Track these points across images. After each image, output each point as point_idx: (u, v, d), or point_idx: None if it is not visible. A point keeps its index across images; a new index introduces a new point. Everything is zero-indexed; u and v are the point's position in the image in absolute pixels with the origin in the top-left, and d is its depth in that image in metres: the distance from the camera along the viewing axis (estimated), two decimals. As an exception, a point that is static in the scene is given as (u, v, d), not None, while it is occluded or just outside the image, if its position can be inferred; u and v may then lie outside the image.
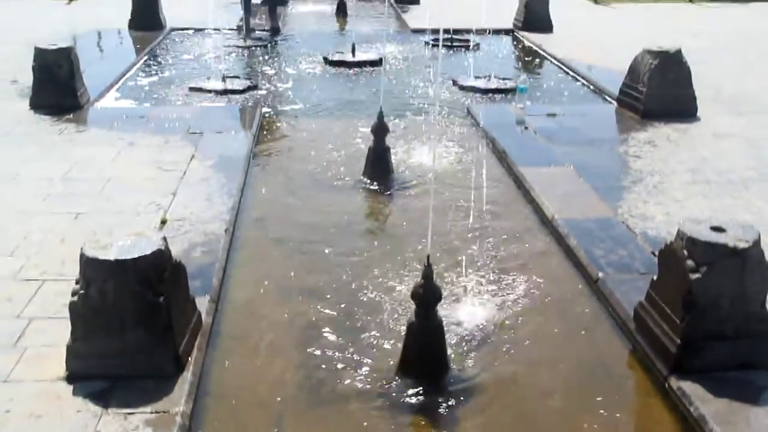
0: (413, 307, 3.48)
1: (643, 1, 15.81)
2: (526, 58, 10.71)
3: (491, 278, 4.46)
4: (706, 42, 11.36)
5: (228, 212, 5.10)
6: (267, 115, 7.67)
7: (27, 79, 7.66)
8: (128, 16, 11.68)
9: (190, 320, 3.59)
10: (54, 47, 7.35)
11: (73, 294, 3.25)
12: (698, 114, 7.47)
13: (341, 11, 13.88)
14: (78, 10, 13.54)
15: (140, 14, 11.65)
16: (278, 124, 7.50)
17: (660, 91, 7.35)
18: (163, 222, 4.90)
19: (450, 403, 3.35)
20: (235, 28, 11.97)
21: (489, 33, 11.29)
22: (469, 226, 5.10)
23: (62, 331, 3.37)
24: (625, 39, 11.39)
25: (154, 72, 9.42)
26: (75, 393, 3.20)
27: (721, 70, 9.49)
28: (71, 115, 7.16)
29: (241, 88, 8.48)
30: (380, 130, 5.84)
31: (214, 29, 11.50)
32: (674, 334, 3.45)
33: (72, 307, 3.24)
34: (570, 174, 5.93)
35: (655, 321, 3.62)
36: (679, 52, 7.41)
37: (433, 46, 10.93)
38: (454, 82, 8.84)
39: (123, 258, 3.17)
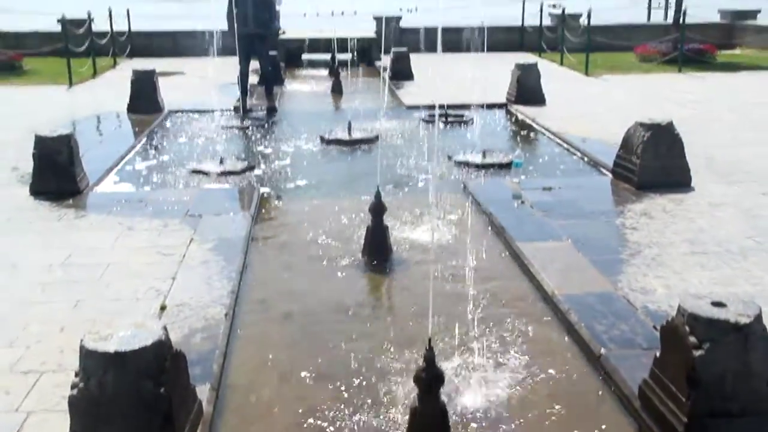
0: (416, 390, 3.44)
1: (633, 72, 16.12)
2: (521, 132, 10.85)
3: (493, 358, 4.43)
4: (697, 111, 11.56)
5: (228, 296, 5.09)
6: (265, 195, 7.73)
7: (27, 165, 7.74)
8: (127, 100, 11.87)
9: (190, 410, 3.55)
10: (54, 134, 7.45)
11: (73, 387, 3.22)
12: (693, 184, 7.54)
13: (336, 89, 14.11)
14: (78, 95, 13.78)
15: (139, 98, 11.84)
16: (276, 205, 7.55)
17: (654, 163, 7.44)
18: (163, 308, 4.89)
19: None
20: (233, 108, 12.16)
21: (483, 107, 11.46)
22: (470, 306, 5.08)
23: (61, 425, 3.33)
24: (617, 110, 11.61)
25: (152, 155, 9.53)
26: (74, 490, 3.14)
27: (712, 139, 9.62)
28: (71, 201, 7.21)
29: (239, 169, 8.57)
30: (378, 209, 5.88)
31: (212, 110, 11.70)
32: (680, 413, 3.41)
33: (71, 400, 3.21)
34: (568, 248, 5.95)
35: (661, 399, 3.59)
36: (670, 124, 7.52)
37: (428, 122, 11.09)
38: (450, 158, 8.94)
39: (123, 350, 3.16)
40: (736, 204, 7.02)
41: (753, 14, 21.83)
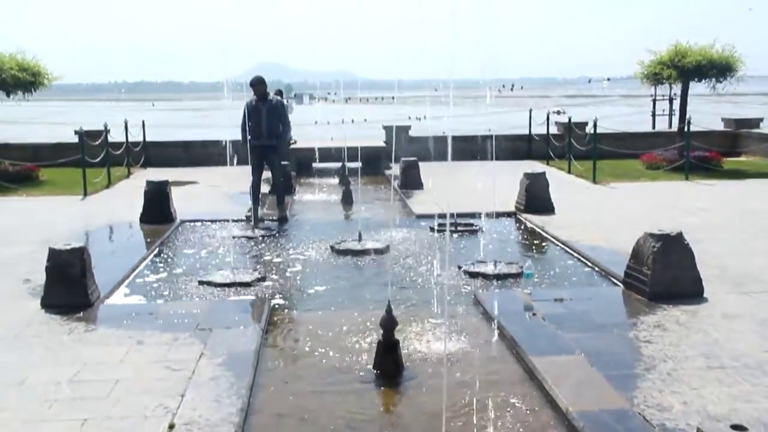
0: None
1: (641, 180, 16.29)
2: (530, 241, 10.89)
3: (509, 480, 4.31)
4: (706, 219, 11.61)
5: (237, 414, 5.01)
6: (275, 307, 7.72)
7: (39, 278, 7.79)
8: (140, 210, 12.04)
9: None
10: (68, 247, 7.52)
11: None
12: (705, 294, 7.50)
13: (347, 199, 14.28)
14: (92, 205, 13.98)
15: (152, 208, 12.01)
16: (286, 317, 7.52)
17: (665, 274, 7.43)
18: (171, 427, 4.81)
19: None
20: (245, 218, 12.29)
21: (492, 216, 11.54)
22: (484, 424, 4.98)
23: None
24: (626, 218, 11.68)
25: (163, 266, 9.58)
26: None
27: (723, 247, 9.62)
28: (81, 314, 7.21)
29: (249, 280, 8.59)
30: (389, 324, 5.85)
31: (224, 220, 11.83)
32: None
33: None
34: (581, 363, 5.87)
35: None
36: (680, 235, 7.55)
37: (438, 231, 11.16)
38: (460, 268, 8.95)
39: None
40: (752, 315, 6.95)
41: (756, 122, 22.23)
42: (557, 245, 10.34)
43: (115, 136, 18.21)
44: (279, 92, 17.71)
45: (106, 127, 17.22)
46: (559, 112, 23.99)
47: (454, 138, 19.52)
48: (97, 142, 16.79)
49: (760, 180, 16.33)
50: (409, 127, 20.93)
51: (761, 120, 22.59)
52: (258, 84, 12.13)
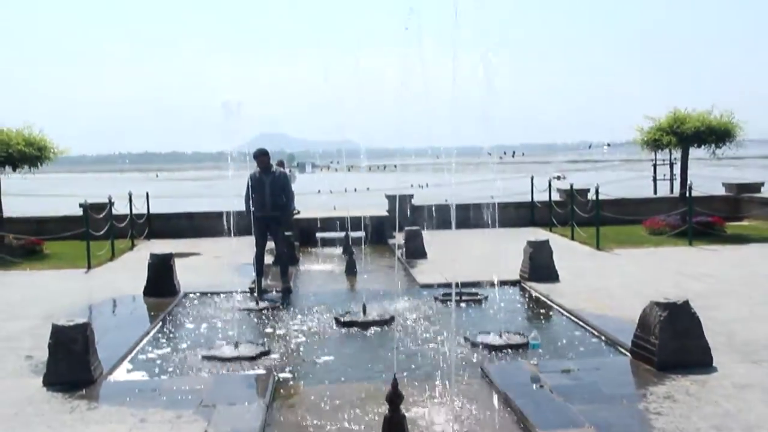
0: None
1: (644, 246, 16.28)
2: (536, 310, 10.83)
3: None
4: (711, 285, 11.56)
5: (241, 495, 4.91)
6: (280, 381, 7.63)
7: (42, 354, 7.73)
8: (143, 282, 12.02)
9: None
10: (71, 323, 7.47)
11: None
12: (714, 363, 7.41)
13: (350, 269, 14.24)
14: (96, 278, 13.97)
15: (155, 281, 12.00)
16: (291, 391, 7.43)
17: (672, 343, 7.35)
18: None
19: None
20: (248, 290, 12.25)
21: (496, 285, 11.50)
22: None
23: None
24: (631, 285, 11.64)
25: (166, 340, 9.51)
26: None
27: (729, 314, 9.55)
28: (84, 391, 7.13)
29: (253, 354, 8.51)
30: (395, 398, 5.76)
31: (227, 292, 11.80)
32: None
33: None
34: (592, 436, 5.76)
35: None
36: (686, 303, 7.50)
37: (443, 301, 11.11)
38: (466, 339, 8.88)
39: None
40: (762, 386, 6.85)
41: (757, 187, 22.31)
42: (563, 314, 10.27)
43: (120, 208, 18.31)
44: (280, 162, 17.88)
45: (110, 200, 17.32)
46: (559, 178, 24.16)
47: (457, 206, 19.58)
48: (101, 215, 16.87)
49: (763, 244, 16.31)
50: (411, 196, 21.03)
51: (762, 184, 22.68)
52: (261, 156, 12.27)
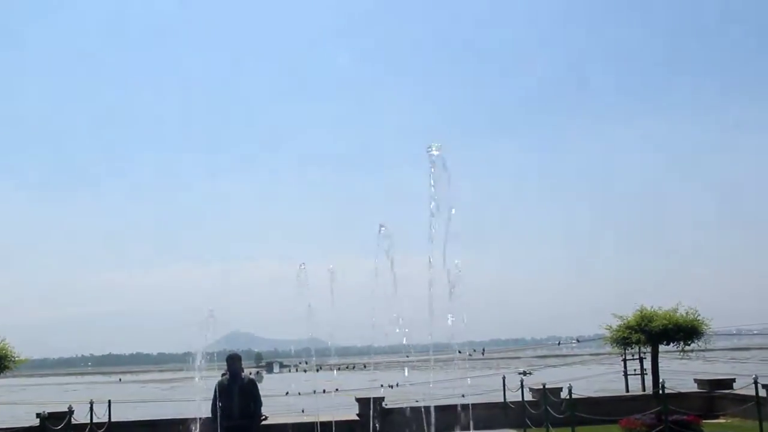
0: None
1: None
2: None
3: None
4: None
5: None
6: None
7: None
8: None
9: None
10: None
11: None
12: None
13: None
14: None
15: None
16: None
17: None
18: None
19: None
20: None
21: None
22: None
23: None
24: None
25: None
26: None
27: None
28: None
29: None
30: None
31: None
32: None
33: None
34: None
35: None
36: None
37: None
38: None
39: None
40: None
41: (729, 383, 22.23)
42: None
43: (79, 416, 17.62)
44: (238, 357, 17.46)
45: (70, 409, 16.72)
46: (525, 373, 24.02)
47: (429, 408, 19.14)
48: (60, 426, 16.20)
49: (743, 444, 16.01)
50: (382, 399, 20.57)
51: (734, 380, 22.62)
52: (234, 360, 12.12)
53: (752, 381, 17.39)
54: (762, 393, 18.88)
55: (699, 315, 18.32)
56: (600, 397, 21.85)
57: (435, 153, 11.02)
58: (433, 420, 17.53)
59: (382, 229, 12.45)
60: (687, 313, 18.34)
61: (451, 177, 11.02)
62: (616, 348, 19.71)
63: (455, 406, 18.72)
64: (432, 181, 11.03)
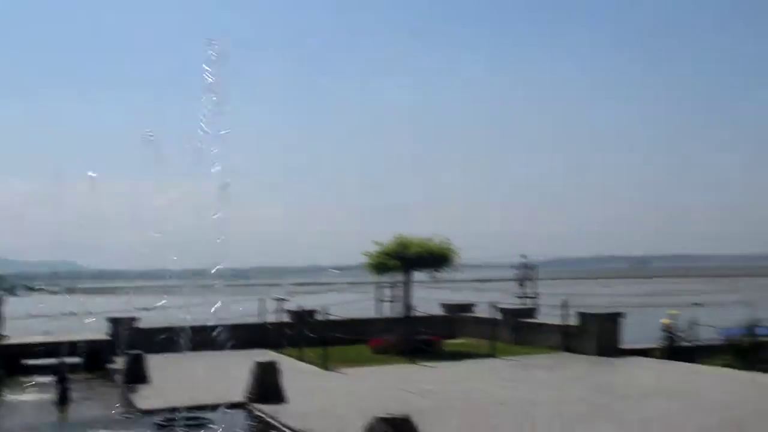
0: None
1: (370, 365, 16.68)
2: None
3: None
4: (434, 400, 12.06)
5: None
6: None
7: None
8: None
9: None
10: None
11: None
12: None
13: (63, 398, 13.03)
14: None
15: None
16: None
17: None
18: None
19: None
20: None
21: (223, 407, 11.08)
22: None
23: None
24: (356, 403, 11.84)
25: None
26: None
27: (450, 429, 9.95)
28: None
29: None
30: None
31: None
32: None
33: None
34: None
35: None
36: (408, 419, 7.68)
37: (164, 426, 10.47)
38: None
39: None
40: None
41: (469, 307, 24.04)
42: (292, 435, 10.09)
43: None
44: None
45: None
46: (280, 299, 24.48)
47: (185, 329, 18.86)
48: None
49: (476, 359, 17.43)
50: (134, 319, 19.96)
51: (473, 305, 24.46)
52: None
53: (488, 306, 18.94)
54: (497, 316, 20.68)
55: (451, 244, 19.46)
56: (352, 319, 22.68)
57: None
58: (188, 339, 17.32)
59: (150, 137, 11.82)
60: (440, 242, 19.39)
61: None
62: (375, 275, 20.46)
63: (213, 327, 18.57)
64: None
